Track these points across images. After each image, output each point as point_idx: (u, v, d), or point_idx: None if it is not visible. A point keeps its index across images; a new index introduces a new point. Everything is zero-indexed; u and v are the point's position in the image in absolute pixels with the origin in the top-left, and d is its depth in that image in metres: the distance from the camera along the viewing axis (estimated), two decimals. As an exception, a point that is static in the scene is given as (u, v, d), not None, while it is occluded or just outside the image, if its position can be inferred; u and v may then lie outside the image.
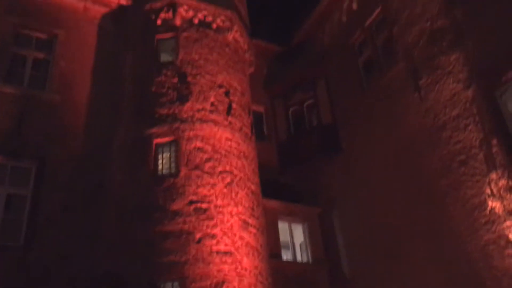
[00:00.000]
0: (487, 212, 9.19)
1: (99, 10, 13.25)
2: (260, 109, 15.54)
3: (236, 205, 10.68)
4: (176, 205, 10.21)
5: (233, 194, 10.77)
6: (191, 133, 11.15)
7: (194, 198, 10.33)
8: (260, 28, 16.69)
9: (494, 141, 9.27)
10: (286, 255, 13.49)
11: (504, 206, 8.87)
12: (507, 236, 8.73)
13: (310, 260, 13.40)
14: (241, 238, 10.38)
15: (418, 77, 11.31)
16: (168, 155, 11.12)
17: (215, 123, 11.52)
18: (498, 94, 9.45)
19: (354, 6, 13.95)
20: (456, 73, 10.35)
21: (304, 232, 13.82)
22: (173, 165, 10.91)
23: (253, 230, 10.81)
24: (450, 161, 10.21)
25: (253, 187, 11.53)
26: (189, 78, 11.88)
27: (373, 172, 12.40)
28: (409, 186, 11.22)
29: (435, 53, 10.93)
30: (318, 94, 14.86)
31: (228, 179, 10.89)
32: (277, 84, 15.71)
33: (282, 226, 13.45)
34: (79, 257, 10.13)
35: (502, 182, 8.94)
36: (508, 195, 8.81)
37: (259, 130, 14.81)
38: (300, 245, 13.89)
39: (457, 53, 10.37)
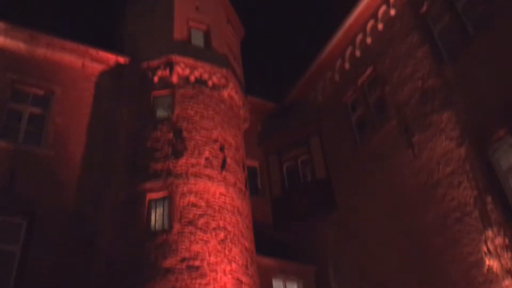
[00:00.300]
0: (485, 270, 9.04)
1: (96, 68, 13.50)
2: (255, 164, 15.57)
3: (229, 262, 10.49)
4: (169, 262, 10.02)
5: (227, 251, 10.60)
6: (185, 188, 11.12)
7: (187, 255, 10.15)
8: (255, 85, 17.02)
9: (489, 199, 9.27)
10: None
11: (501, 264, 8.74)
12: (506, 296, 8.56)
13: (305, 320, 13.02)
14: (234, 297, 10.12)
15: (411, 134, 11.45)
16: (161, 210, 11.04)
17: (209, 178, 11.51)
18: (491, 152, 9.54)
19: (346, 66, 14.33)
20: (448, 131, 10.49)
21: (299, 291, 13.50)
22: (166, 220, 10.81)
23: (247, 289, 10.56)
24: (445, 218, 10.14)
25: (247, 244, 11.37)
26: (185, 134, 11.98)
27: (368, 229, 12.28)
28: (405, 244, 11.08)
29: (427, 112, 11.12)
30: (312, 150, 14.96)
31: (221, 236, 10.75)
32: (272, 140, 15.83)
33: (277, 284, 13.14)
34: (67, 317, 9.80)
35: (499, 240, 8.87)
36: (505, 254, 8.71)
37: (253, 185, 14.77)
38: (296, 304, 13.54)
39: (448, 112, 10.56)
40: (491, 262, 8.92)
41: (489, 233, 9.09)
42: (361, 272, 12.24)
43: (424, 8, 11.87)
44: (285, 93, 16.69)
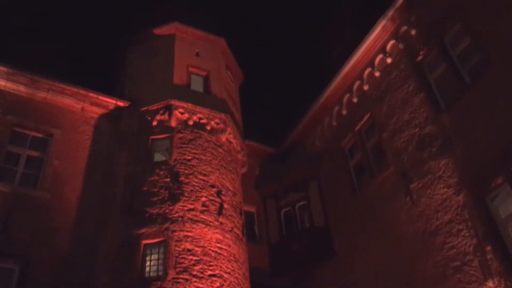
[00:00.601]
0: (487, 322, 8.81)
1: (96, 111, 13.59)
2: (252, 209, 15.44)
3: (224, 312, 10.23)
4: (163, 311, 9.77)
5: (222, 300, 10.36)
6: (181, 234, 10.98)
7: (182, 303, 9.91)
8: (254, 130, 17.11)
9: (488, 248, 9.13)
10: None
11: (504, 316, 8.53)
12: None
13: None
14: None
15: (408, 181, 11.41)
16: (157, 256, 10.86)
17: (206, 223, 11.39)
18: (489, 200, 9.49)
19: (344, 112, 14.44)
20: (446, 178, 10.46)
21: None
22: (161, 267, 10.62)
23: None
24: (444, 267, 9.97)
25: (243, 292, 11.12)
26: (182, 178, 11.94)
27: (367, 277, 12.05)
28: (405, 293, 10.84)
29: (425, 158, 11.13)
30: (310, 196, 14.85)
31: (217, 284, 10.54)
32: (269, 184, 15.76)
33: (273, 334, 12.80)
34: None
35: (500, 291, 8.68)
36: (508, 305, 8.51)
37: (250, 231, 14.60)
38: None
39: (446, 159, 10.57)
40: (493, 314, 8.70)
41: (490, 283, 8.91)
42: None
43: (420, 57, 12.08)
44: (284, 137, 16.76)
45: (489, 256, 9.11)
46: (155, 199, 11.56)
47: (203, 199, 11.81)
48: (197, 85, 14.39)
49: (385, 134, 12.61)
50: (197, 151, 12.70)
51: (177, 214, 11.27)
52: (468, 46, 10.92)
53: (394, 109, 12.46)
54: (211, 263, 10.75)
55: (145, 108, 13.29)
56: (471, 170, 9.95)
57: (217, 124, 13.43)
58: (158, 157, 12.63)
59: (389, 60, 13.03)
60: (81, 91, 13.45)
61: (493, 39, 10.12)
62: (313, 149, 15.65)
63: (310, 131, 15.84)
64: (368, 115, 13.46)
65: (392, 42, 12.99)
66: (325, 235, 13.98)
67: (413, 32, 12.38)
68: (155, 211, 11.31)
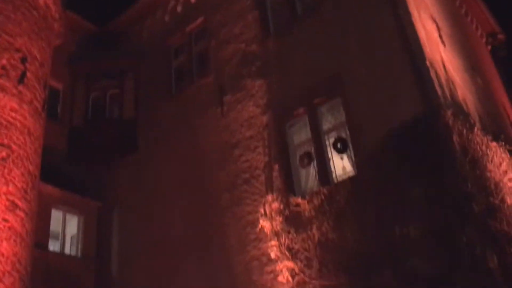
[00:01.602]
0: (257, 230, 9.86)
1: None
2: (59, 86, 14.34)
3: (6, 183, 9.56)
4: None
5: (6, 171, 9.63)
6: (-31, 94, 9.73)
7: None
8: (78, 2, 15.53)
9: (276, 167, 10.12)
10: (53, 246, 12.57)
11: (272, 226, 9.64)
12: (269, 255, 9.50)
13: (79, 254, 12.71)
14: (5, 220, 9.31)
15: (223, 93, 11.76)
16: None
17: (2, 89, 10.23)
18: (288, 126, 10.42)
19: (179, 9, 13.95)
20: (257, 98, 11.05)
21: (78, 225, 13.05)
22: None
23: (21, 214, 9.79)
24: (235, 178, 10.74)
25: (31, 167, 10.47)
26: (-19, 33, 10.40)
27: (163, 179, 12.25)
28: (195, 198, 11.32)
29: (243, 75, 11.52)
30: (125, 87, 14.28)
31: (3, 154, 9.72)
32: (84, 64, 14.64)
33: (56, 215, 12.54)
34: None
35: (275, 204, 9.74)
36: (278, 218, 9.63)
37: (53, 108, 13.66)
38: (72, 237, 13.10)
39: (261, 80, 11.11)
40: (264, 223, 9.76)
41: (269, 197, 9.92)
42: (147, 219, 12.08)
43: (264, -25, 12.16)
44: (110, 19, 15.63)
45: (274, 174, 10.11)
46: None
47: (4, 61, 10.50)
48: None
49: (213, 42, 12.63)
50: (6, 7, 11.06)
51: (-33, 71, 9.90)
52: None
53: (227, 19, 12.47)
54: (0, 132, 9.82)
55: None
56: (280, 95, 10.67)
57: (36, -19, 11.81)
58: (-45, 0, 10.73)
59: (234, -32, 12.84)
60: None
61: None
62: (138, 39, 14.94)
63: (139, 20, 14.97)
64: (202, 19, 13.25)
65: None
66: (131, 129, 13.77)
67: None
68: None
